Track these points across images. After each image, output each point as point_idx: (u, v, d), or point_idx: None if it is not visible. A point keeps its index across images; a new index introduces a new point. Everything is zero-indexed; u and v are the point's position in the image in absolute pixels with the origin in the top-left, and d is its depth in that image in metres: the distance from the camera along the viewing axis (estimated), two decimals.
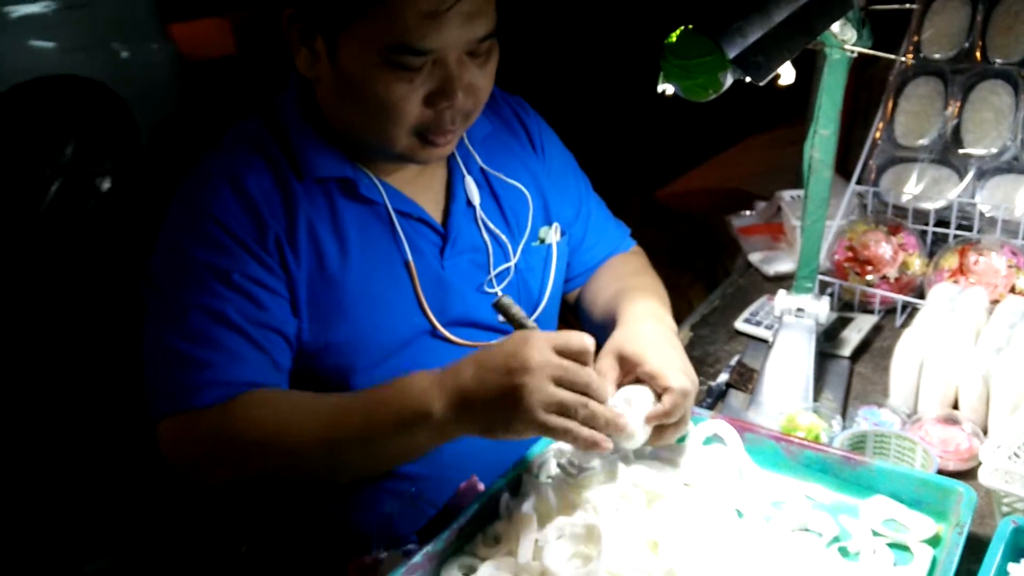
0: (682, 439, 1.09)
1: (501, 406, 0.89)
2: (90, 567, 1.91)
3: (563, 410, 0.89)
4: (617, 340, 1.04)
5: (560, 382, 0.89)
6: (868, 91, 1.79)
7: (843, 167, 1.65)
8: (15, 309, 2.14)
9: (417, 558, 0.91)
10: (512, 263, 1.20)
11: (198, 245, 1.03)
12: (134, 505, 1.94)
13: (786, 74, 0.94)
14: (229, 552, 1.33)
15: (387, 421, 0.96)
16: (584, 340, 0.90)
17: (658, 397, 0.98)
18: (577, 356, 0.90)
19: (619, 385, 1.01)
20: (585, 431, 0.90)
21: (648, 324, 1.08)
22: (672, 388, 0.97)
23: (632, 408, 0.96)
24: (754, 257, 1.72)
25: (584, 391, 0.90)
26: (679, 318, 1.57)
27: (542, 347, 0.89)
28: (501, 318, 1.11)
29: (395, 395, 0.96)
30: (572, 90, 3.42)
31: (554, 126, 1.34)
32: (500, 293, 1.18)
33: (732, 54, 0.84)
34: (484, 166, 1.20)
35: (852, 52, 1.08)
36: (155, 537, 1.86)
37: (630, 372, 1.01)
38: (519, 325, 0.98)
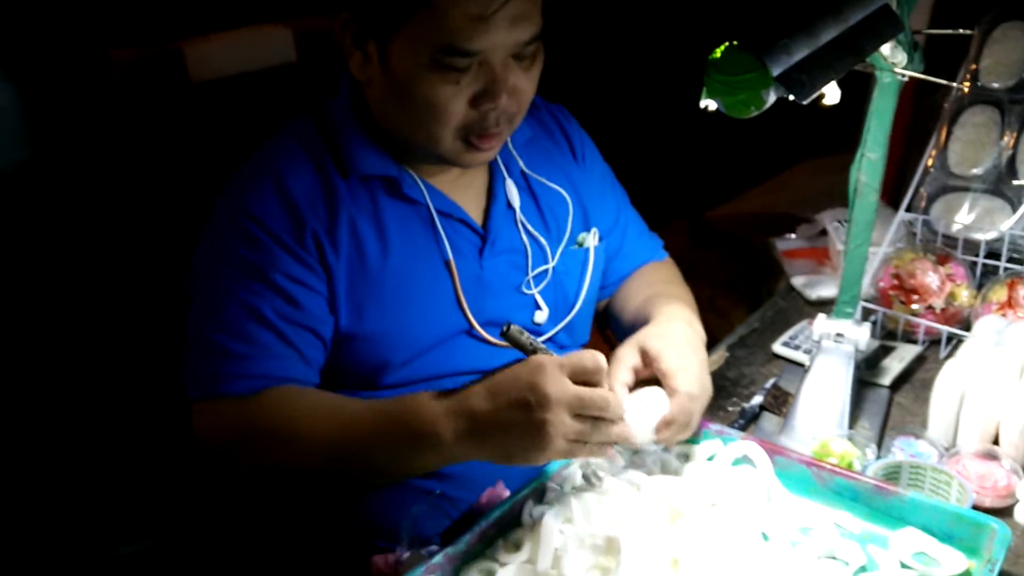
0: (711, 457, 1.09)
1: (521, 440, 0.90)
2: (125, 549, 1.94)
3: (580, 437, 0.90)
4: (644, 333, 1.07)
5: (578, 412, 0.89)
6: (927, 120, 1.75)
7: (897, 195, 1.62)
8: (49, 292, 2.20)
9: (437, 558, 0.92)
10: (551, 266, 1.21)
11: (238, 242, 1.06)
12: (169, 488, 1.97)
13: (831, 94, 0.93)
14: (255, 543, 1.35)
15: (397, 439, 0.97)
16: (597, 359, 0.90)
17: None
18: (591, 376, 0.90)
19: (637, 373, 1.04)
20: (596, 448, 0.92)
21: (678, 325, 1.09)
22: (678, 391, 0.99)
23: (644, 406, 0.99)
24: (797, 281, 1.70)
25: (599, 415, 0.90)
26: (720, 339, 1.56)
27: (558, 378, 0.88)
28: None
29: (406, 415, 0.96)
30: (625, 109, 3.41)
31: (606, 145, 1.35)
32: (538, 295, 1.19)
33: (776, 72, 0.83)
34: (525, 169, 1.21)
35: (903, 76, 1.07)
36: (190, 520, 1.89)
37: (648, 365, 1.03)
38: (530, 352, 0.97)
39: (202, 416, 1.06)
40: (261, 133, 1.14)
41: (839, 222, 1.75)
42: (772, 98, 0.85)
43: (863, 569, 0.94)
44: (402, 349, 1.11)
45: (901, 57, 1.03)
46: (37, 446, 2.07)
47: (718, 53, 0.85)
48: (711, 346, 1.52)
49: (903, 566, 0.93)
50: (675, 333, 1.07)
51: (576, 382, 0.89)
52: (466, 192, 1.17)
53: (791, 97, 0.85)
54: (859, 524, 1.00)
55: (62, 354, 2.19)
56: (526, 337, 0.98)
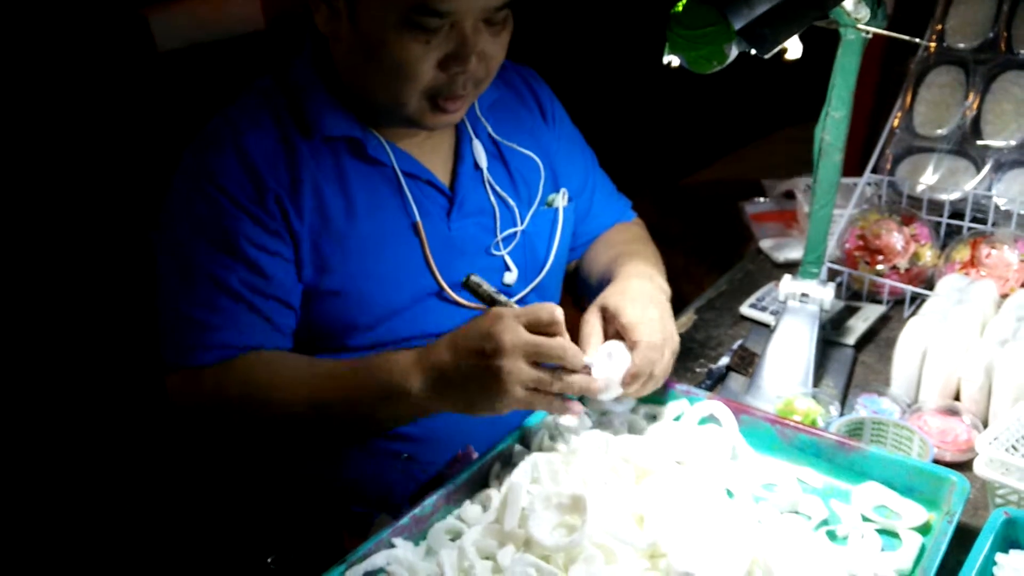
0: (678, 417, 1.09)
1: (480, 388, 0.92)
2: (100, 517, 1.93)
3: (539, 386, 0.91)
4: (603, 294, 1.07)
5: (535, 359, 0.91)
6: (896, 86, 1.76)
7: (866, 160, 1.62)
8: (21, 268, 2.17)
9: (404, 520, 0.92)
10: (520, 228, 1.20)
11: (202, 207, 1.05)
12: (142, 456, 1.97)
13: (793, 49, 0.92)
14: (230, 512, 1.35)
15: (369, 393, 1.00)
16: (553, 311, 0.92)
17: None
18: (548, 328, 0.92)
19: (604, 337, 1.03)
20: (558, 402, 0.93)
21: (635, 281, 1.09)
22: (640, 342, 0.99)
23: (612, 361, 0.99)
24: (765, 243, 1.71)
25: (558, 363, 0.92)
26: (690, 303, 1.57)
27: (514, 327, 0.90)
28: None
29: (378, 370, 0.99)
30: (599, 76, 3.39)
31: (581, 114, 1.35)
32: (507, 256, 1.19)
33: (738, 25, 0.82)
34: (493, 133, 1.20)
35: (866, 32, 1.07)
36: (163, 488, 1.89)
37: (611, 324, 1.03)
38: (491, 302, 0.99)
39: (177, 385, 1.07)
40: (229, 103, 1.12)
41: (808, 185, 1.75)
42: (734, 52, 0.85)
43: (825, 523, 0.95)
44: (369, 310, 1.10)
45: (864, 13, 1.03)
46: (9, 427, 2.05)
47: (680, 7, 0.85)
48: (682, 310, 1.53)
49: (864, 519, 0.94)
50: (633, 288, 1.07)
51: (534, 333, 0.91)
52: (433, 154, 1.16)
53: (752, 52, 0.84)
54: (821, 479, 1.01)
55: (34, 334, 2.16)
56: (485, 288, 0.99)
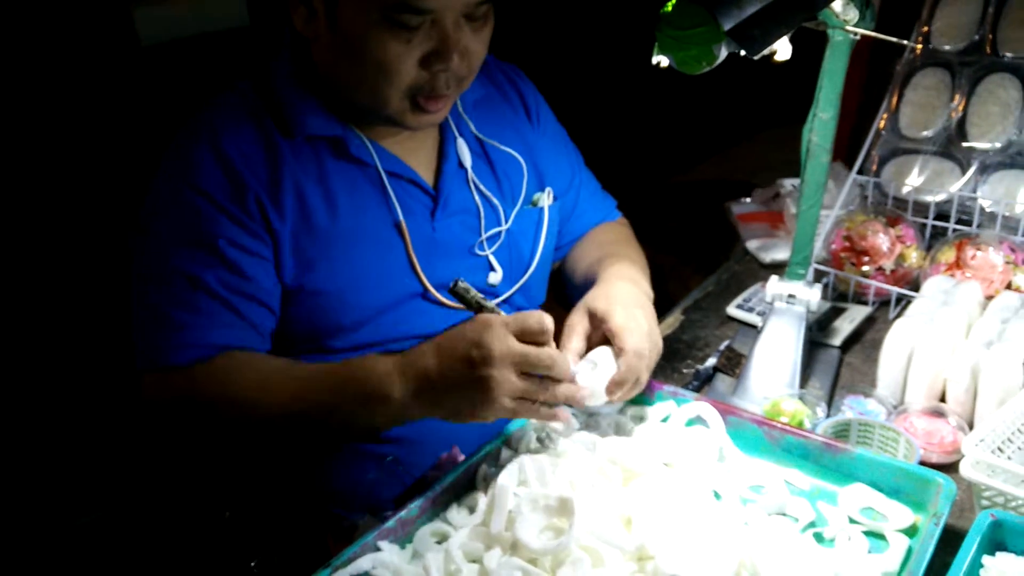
0: (666, 418, 1.09)
1: (467, 396, 0.91)
2: (83, 519, 1.92)
3: (526, 395, 0.91)
4: (589, 296, 1.06)
5: (523, 369, 0.90)
6: (882, 87, 1.77)
7: (852, 160, 1.63)
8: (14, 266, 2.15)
9: (390, 523, 0.91)
10: (504, 228, 1.19)
11: (181, 211, 1.04)
12: (126, 459, 1.95)
13: (782, 50, 0.92)
14: (213, 516, 1.33)
15: (348, 400, 0.98)
16: (543, 320, 0.91)
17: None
18: (536, 336, 0.91)
19: (588, 339, 1.03)
20: (545, 410, 0.93)
21: (622, 284, 1.09)
22: (626, 350, 0.99)
23: (597, 370, 0.99)
24: (751, 244, 1.71)
25: (546, 373, 0.91)
26: (676, 304, 1.57)
27: (503, 335, 0.89)
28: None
29: (357, 375, 0.97)
30: (588, 74, 3.39)
31: (570, 111, 1.35)
32: (491, 256, 1.19)
33: (727, 26, 0.82)
34: (477, 133, 1.19)
35: (855, 34, 1.06)
36: (146, 491, 1.87)
37: (597, 327, 1.03)
38: (477, 309, 0.98)
39: (151, 387, 1.05)
40: (209, 100, 1.11)
41: (794, 186, 1.75)
42: (723, 53, 0.84)
43: (812, 525, 0.95)
44: (353, 311, 1.09)
45: (852, 14, 1.03)
46: None
47: (669, 7, 0.84)
48: (669, 310, 1.53)
49: (851, 521, 0.94)
50: (620, 293, 1.06)
51: (522, 341, 0.90)
52: (416, 153, 1.15)
53: (742, 52, 0.84)
54: (808, 481, 1.01)
55: (12, 334, 2.14)
56: (472, 294, 0.98)
